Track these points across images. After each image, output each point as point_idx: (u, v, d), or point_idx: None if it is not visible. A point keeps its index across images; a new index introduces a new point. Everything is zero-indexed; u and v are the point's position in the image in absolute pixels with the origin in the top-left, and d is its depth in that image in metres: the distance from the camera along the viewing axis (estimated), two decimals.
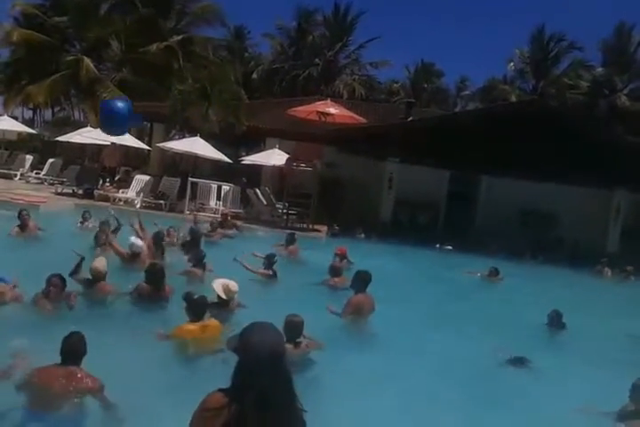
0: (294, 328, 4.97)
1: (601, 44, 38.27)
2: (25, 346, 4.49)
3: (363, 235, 16.17)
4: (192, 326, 5.24)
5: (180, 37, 31.33)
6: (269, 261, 8.40)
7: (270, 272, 8.33)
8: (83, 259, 6.61)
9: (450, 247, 16.24)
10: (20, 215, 9.75)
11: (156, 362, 4.93)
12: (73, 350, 3.97)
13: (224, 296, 6.06)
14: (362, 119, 17.97)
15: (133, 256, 7.98)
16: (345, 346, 5.99)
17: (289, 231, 12.13)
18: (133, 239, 8.16)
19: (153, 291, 6.44)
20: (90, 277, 6.41)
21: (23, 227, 9.70)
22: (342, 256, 9.92)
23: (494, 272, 11.40)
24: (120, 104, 8.59)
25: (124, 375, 4.24)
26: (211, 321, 5.37)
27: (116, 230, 9.34)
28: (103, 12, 30.72)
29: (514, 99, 35.93)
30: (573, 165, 16.05)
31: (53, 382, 3.88)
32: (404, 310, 7.62)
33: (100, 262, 6.54)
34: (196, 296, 5.46)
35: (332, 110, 17.08)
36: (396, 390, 4.99)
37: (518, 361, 5.71)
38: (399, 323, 7.00)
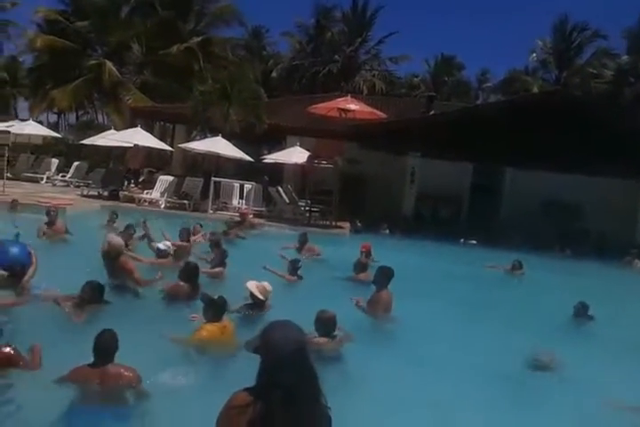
0: (328, 323, 5.21)
1: (625, 31, 37.49)
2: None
3: (386, 230, 16.14)
4: (212, 327, 5.16)
5: (199, 39, 31.63)
6: (294, 266, 8.28)
7: (295, 278, 8.23)
8: None
9: (474, 242, 16.09)
10: (48, 213, 9.77)
11: (178, 362, 4.94)
12: (105, 348, 4.02)
13: (261, 297, 6.07)
14: (382, 115, 17.93)
15: (161, 258, 8.09)
16: (371, 341, 5.99)
17: (300, 232, 11.99)
18: (161, 245, 8.22)
19: (189, 289, 6.47)
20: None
21: (50, 224, 9.69)
22: (367, 253, 9.92)
23: (517, 266, 11.17)
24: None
25: (150, 374, 4.27)
26: (228, 322, 5.30)
27: (143, 237, 9.40)
28: (124, 16, 31.18)
29: (536, 90, 35.41)
30: (598, 155, 15.74)
31: (90, 382, 3.95)
32: (426, 305, 7.60)
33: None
34: (216, 297, 5.33)
35: (353, 106, 17.07)
36: (422, 384, 5.00)
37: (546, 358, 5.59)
38: (422, 318, 6.96)
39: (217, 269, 7.87)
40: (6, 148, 17.17)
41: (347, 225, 16.28)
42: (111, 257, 6.59)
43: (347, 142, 17.46)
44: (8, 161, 17.57)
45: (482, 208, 18.84)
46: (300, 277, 8.32)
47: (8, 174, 16.87)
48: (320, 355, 5.06)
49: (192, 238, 9.72)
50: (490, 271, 11.40)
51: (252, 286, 6.10)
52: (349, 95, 19.04)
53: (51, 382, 3.98)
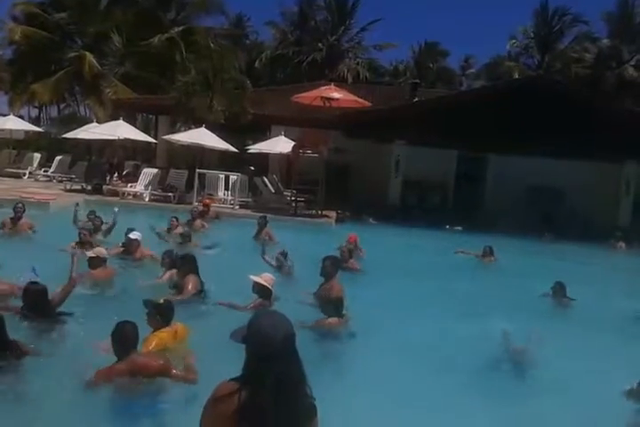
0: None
1: (605, 14, 37.59)
2: None
3: (371, 219, 16.19)
4: (162, 334, 4.74)
5: (180, 28, 31.23)
6: (284, 257, 8.15)
7: (289, 270, 8.15)
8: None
9: (460, 228, 16.21)
10: (15, 208, 9.61)
11: None
12: (130, 339, 4.01)
13: (269, 286, 6.00)
14: (366, 103, 17.86)
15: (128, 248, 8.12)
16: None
17: (260, 215, 12.00)
18: (132, 234, 8.20)
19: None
20: None
21: (16, 220, 9.52)
22: (354, 244, 9.95)
23: (488, 252, 10.93)
24: None
25: None
26: (179, 326, 4.90)
27: (110, 229, 9.36)
28: (103, 7, 30.66)
29: (518, 75, 35.48)
30: (581, 139, 15.89)
31: (120, 378, 3.91)
32: (395, 293, 7.71)
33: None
34: (161, 300, 4.91)
35: (336, 95, 16.99)
36: (403, 367, 5.14)
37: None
38: (389, 306, 7.03)
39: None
40: None
41: (333, 214, 16.31)
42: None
43: (332, 131, 17.43)
44: None
45: (467, 195, 18.98)
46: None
47: None
48: (333, 334, 5.60)
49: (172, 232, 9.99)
50: (462, 257, 11.21)
51: (257, 278, 5.97)
52: (332, 84, 18.94)
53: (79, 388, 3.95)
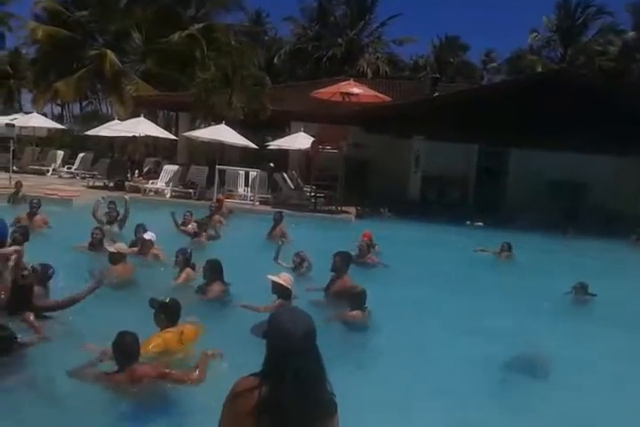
0: (364, 297, 5.78)
1: (630, 6, 36.84)
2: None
3: (390, 214, 16.12)
4: (167, 334, 4.56)
5: (200, 25, 31.37)
6: (301, 258, 7.99)
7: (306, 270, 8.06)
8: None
9: (481, 224, 16.06)
10: (31, 204, 9.90)
11: None
12: (129, 350, 3.96)
13: (290, 287, 5.87)
14: (386, 98, 17.81)
15: (142, 248, 7.97)
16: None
17: (276, 210, 12.02)
18: (146, 235, 8.10)
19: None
20: None
21: (31, 215, 9.75)
22: (369, 240, 9.92)
23: (506, 248, 10.73)
24: None
25: None
26: (185, 326, 4.70)
27: (124, 220, 9.40)
28: (123, 4, 30.92)
29: (540, 69, 34.98)
30: (604, 133, 15.61)
31: (120, 386, 3.91)
32: (413, 290, 7.61)
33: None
34: (167, 300, 4.71)
35: (356, 90, 16.97)
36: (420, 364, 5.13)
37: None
38: (408, 303, 6.96)
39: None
40: (11, 141, 17.28)
41: (352, 210, 16.29)
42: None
43: (351, 127, 17.40)
44: (13, 154, 17.68)
45: (488, 190, 18.80)
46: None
47: (14, 167, 16.96)
48: (356, 327, 5.72)
49: (184, 228, 10.09)
50: (481, 255, 11.02)
51: (277, 279, 5.83)
52: (352, 79, 18.89)
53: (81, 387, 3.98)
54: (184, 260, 6.96)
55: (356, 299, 5.82)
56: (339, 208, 16.15)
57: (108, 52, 28.95)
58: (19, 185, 12.45)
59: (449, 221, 14.70)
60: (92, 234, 8.29)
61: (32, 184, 15.86)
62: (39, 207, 9.93)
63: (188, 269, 6.90)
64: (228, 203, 14.58)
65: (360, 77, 25.99)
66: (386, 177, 18.25)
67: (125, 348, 3.94)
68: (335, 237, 11.46)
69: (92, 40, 31.56)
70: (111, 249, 7.01)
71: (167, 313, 4.61)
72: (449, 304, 7.22)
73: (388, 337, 5.73)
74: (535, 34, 40.42)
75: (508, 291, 8.25)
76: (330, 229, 13.73)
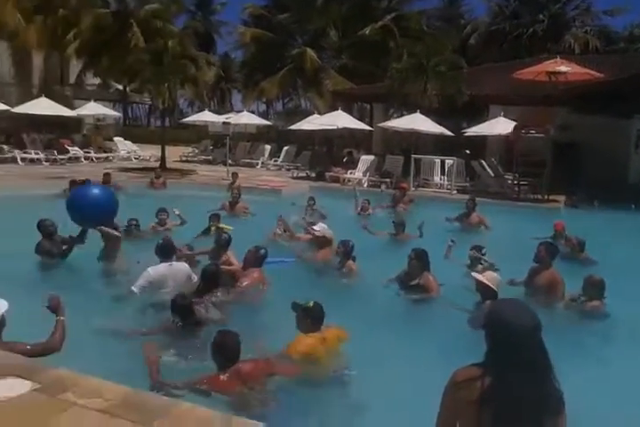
0: (601, 286, 5.59)
1: None
2: None
3: (596, 203, 14.42)
4: (309, 339, 4.30)
5: (393, 15, 31.47)
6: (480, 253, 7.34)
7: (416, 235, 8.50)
8: None
9: None
10: (232, 193, 11.34)
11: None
12: (229, 350, 3.83)
13: (494, 287, 5.39)
14: (599, 74, 16.01)
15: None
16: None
17: (469, 197, 11.49)
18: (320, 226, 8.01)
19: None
20: None
21: (233, 204, 11.01)
22: (561, 232, 9.02)
23: None
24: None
25: None
26: (329, 330, 4.41)
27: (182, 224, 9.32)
28: (320, 4, 32.28)
29: None
30: None
31: (231, 388, 3.72)
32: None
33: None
34: (311, 304, 4.42)
35: (564, 68, 15.50)
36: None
37: None
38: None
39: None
40: (227, 137, 19.12)
41: (561, 199, 14.99)
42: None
43: (557, 108, 15.99)
44: (230, 149, 19.52)
45: None
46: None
47: (230, 161, 18.68)
48: (594, 317, 5.54)
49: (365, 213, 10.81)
50: None
51: (481, 277, 5.40)
52: (558, 56, 17.32)
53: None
54: (345, 251, 6.83)
55: (596, 288, 5.60)
56: (545, 197, 14.99)
57: (308, 49, 30.50)
58: (235, 176, 13.65)
59: None
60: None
61: (245, 176, 17.35)
62: (239, 197, 11.18)
63: (350, 262, 6.81)
64: (423, 191, 14.43)
65: (567, 54, 23.80)
66: (600, 161, 16.45)
67: (223, 347, 3.81)
68: (541, 228, 10.56)
69: (292, 40, 33.54)
70: (317, 233, 7.25)
71: (311, 317, 4.38)
72: None
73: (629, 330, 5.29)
74: None
75: None
76: (535, 219, 12.74)
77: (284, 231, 8.54)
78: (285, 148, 23.26)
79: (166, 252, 5.83)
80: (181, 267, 5.78)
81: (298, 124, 23.07)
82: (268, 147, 24.09)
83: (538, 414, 2.12)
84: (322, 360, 4.23)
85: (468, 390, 2.13)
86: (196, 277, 5.69)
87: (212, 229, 8.43)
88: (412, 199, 13.04)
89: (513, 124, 16.03)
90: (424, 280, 6.02)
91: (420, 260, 6.13)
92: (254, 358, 3.97)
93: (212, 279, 5.47)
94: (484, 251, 7.07)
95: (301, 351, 4.19)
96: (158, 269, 5.53)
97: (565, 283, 6.04)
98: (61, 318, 3.99)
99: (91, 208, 6.26)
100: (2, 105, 20.69)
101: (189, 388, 3.69)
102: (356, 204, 11.40)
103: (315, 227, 7.74)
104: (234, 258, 6.49)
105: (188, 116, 31.67)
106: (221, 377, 3.75)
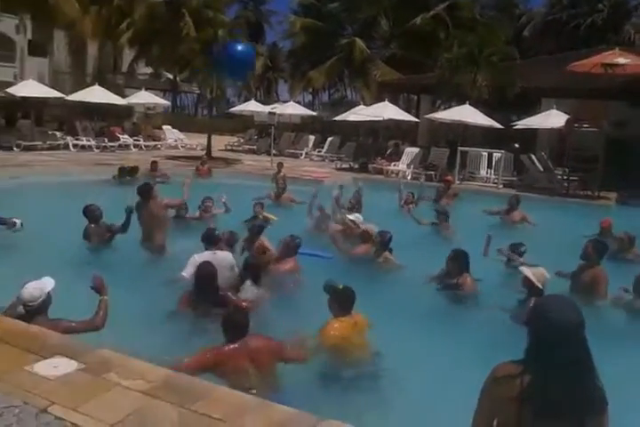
0: None
1: None
2: None
3: None
4: (340, 323, 4.30)
5: (445, 4, 30.88)
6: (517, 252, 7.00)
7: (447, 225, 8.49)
8: None
9: None
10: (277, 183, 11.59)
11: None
12: (239, 325, 3.79)
13: (540, 285, 5.15)
14: None
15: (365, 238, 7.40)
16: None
17: (513, 194, 11.19)
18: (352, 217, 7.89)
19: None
20: None
21: (278, 195, 11.27)
22: (607, 230, 8.69)
23: None
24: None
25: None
26: (359, 316, 4.40)
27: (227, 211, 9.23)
28: None
29: None
30: None
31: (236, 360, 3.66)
32: None
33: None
34: (341, 286, 4.43)
35: (622, 60, 14.90)
36: None
37: None
38: None
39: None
40: (272, 127, 19.22)
41: (612, 196, 14.48)
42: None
43: (613, 102, 15.39)
44: (274, 139, 19.64)
45: None
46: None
47: (274, 151, 18.81)
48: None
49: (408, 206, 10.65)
50: None
51: (530, 273, 5.18)
52: (617, 48, 16.65)
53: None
54: (382, 241, 6.79)
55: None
56: (596, 193, 14.51)
57: (357, 39, 30.28)
58: (280, 166, 13.75)
59: None
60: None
61: (289, 166, 17.43)
62: (285, 187, 11.37)
63: (386, 253, 6.76)
64: (469, 185, 14.15)
65: (627, 46, 22.87)
66: None
67: (234, 323, 3.79)
68: (590, 225, 10.22)
69: (342, 29, 33.37)
70: (363, 227, 7.25)
71: (340, 300, 4.35)
72: None
73: None
74: None
75: None
76: (584, 215, 12.33)
77: (324, 220, 8.46)
78: (329, 138, 23.23)
79: (211, 240, 5.96)
80: (225, 256, 5.84)
81: (343, 115, 22.98)
82: (312, 137, 24.11)
83: (579, 413, 2.09)
84: (354, 343, 4.24)
85: (507, 387, 2.12)
86: (237, 269, 5.76)
87: (259, 217, 8.53)
88: (456, 193, 12.73)
89: (566, 117, 15.54)
90: (462, 280, 5.93)
91: (458, 261, 5.99)
92: (268, 336, 3.93)
93: (253, 271, 5.49)
94: (523, 249, 6.80)
95: (334, 335, 4.19)
96: (203, 256, 5.62)
97: (609, 281, 5.88)
98: (105, 297, 4.16)
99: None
100: (56, 93, 21.32)
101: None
102: (399, 196, 11.30)
103: (357, 220, 7.71)
104: (268, 243, 6.61)
105: (234, 106, 31.99)
106: (226, 348, 3.70)
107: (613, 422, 2.20)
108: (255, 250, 6.35)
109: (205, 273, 4.94)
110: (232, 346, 3.70)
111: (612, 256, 7.44)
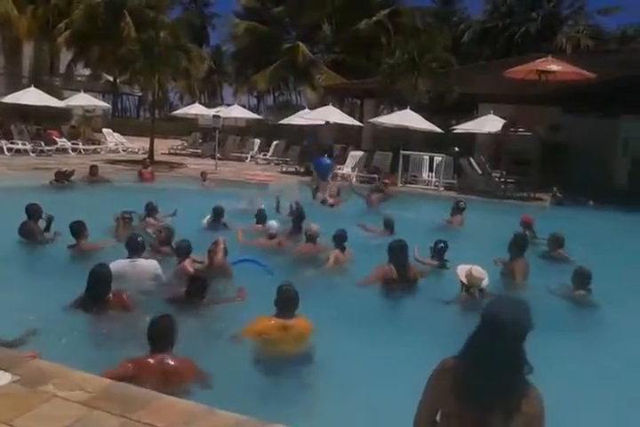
0: (589, 277, 6.00)
1: None
2: None
3: (591, 202, 14.61)
4: (267, 321, 4.29)
5: (387, 11, 31.42)
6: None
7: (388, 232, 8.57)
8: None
9: None
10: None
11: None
12: (162, 334, 3.67)
13: (465, 281, 5.46)
14: (590, 74, 16.09)
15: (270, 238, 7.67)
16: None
17: (457, 200, 11.40)
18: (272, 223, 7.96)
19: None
20: None
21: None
22: (528, 226, 9.16)
23: None
24: None
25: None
26: (298, 322, 4.31)
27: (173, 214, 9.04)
28: None
29: None
30: None
31: (150, 375, 3.52)
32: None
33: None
34: (285, 287, 4.37)
35: (555, 67, 15.57)
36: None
37: None
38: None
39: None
40: (217, 131, 19.05)
41: (547, 197, 15.13)
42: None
43: (547, 108, 16.08)
44: (219, 143, 19.46)
45: None
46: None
47: (218, 155, 18.64)
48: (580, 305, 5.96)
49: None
50: None
51: (460, 270, 5.49)
52: (550, 55, 17.40)
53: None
54: (333, 238, 7.05)
55: (583, 278, 5.97)
56: (532, 195, 15.11)
57: (300, 44, 30.40)
58: (204, 175, 13.92)
59: None
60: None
61: (234, 170, 17.34)
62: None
63: (336, 252, 6.87)
64: (411, 188, 14.43)
65: (558, 54, 23.91)
66: (587, 162, 16.59)
67: (158, 332, 3.66)
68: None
69: (285, 33, 33.42)
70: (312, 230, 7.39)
71: (278, 300, 4.32)
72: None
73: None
74: None
75: None
76: (520, 216, 12.85)
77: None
78: (275, 142, 23.22)
79: (132, 248, 5.74)
80: (148, 265, 5.62)
81: (288, 118, 23.04)
82: (257, 141, 24.02)
83: (500, 409, 2.15)
84: (274, 343, 4.20)
85: (446, 379, 2.23)
86: (164, 277, 5.62)
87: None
88: (388, 197, 12.79)
89: (502, 122, 16.11)
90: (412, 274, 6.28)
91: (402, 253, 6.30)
92: (192, 362, 3.74)
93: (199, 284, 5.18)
94: (440, 245, 7.07)
95: (254, 330, 4.23)
96: (119, 264, 5.41)
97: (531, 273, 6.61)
98: None
99: None
100: None
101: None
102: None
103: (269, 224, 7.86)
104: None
105: (177, 109, 31.51)
106: (147, 360, 3.60)
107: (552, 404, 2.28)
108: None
109: (91, 272, 4.77)
110: (152, 361, 3.59)
111: (543, 255, 8.03)
